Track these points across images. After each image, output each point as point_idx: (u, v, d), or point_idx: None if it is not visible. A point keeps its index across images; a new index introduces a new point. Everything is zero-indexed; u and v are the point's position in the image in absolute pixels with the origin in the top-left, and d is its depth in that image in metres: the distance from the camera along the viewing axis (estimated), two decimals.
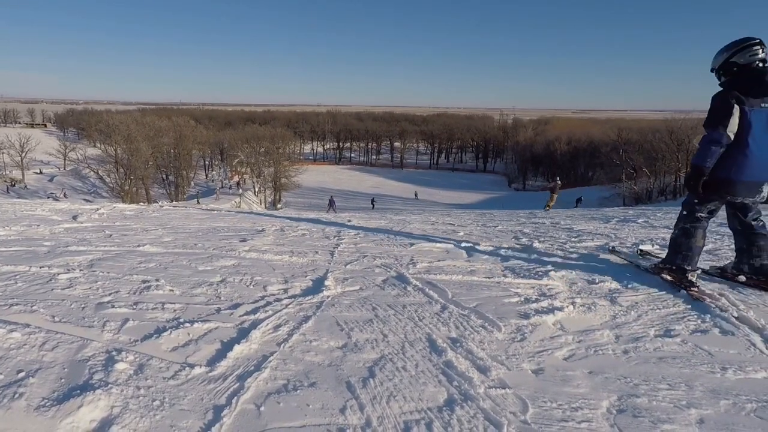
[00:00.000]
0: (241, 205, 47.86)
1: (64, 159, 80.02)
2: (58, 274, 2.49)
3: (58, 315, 1.96)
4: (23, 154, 73.02)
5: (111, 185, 45.19)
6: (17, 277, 2.40)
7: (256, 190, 63.26)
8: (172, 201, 47.24)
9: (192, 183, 65.57)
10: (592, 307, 2.57)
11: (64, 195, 61.84)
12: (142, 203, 28.05)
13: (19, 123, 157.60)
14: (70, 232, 3.76)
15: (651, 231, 6.27)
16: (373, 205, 35.99)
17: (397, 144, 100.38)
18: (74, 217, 4.68)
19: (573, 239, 5.18)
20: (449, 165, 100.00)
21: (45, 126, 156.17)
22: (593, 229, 6.34)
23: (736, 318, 2.46)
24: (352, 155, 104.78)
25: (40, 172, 79.54)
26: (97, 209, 5.36)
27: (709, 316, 2.50)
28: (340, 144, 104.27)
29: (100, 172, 46.31)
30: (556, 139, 69.88)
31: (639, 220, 8.15)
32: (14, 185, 65.11)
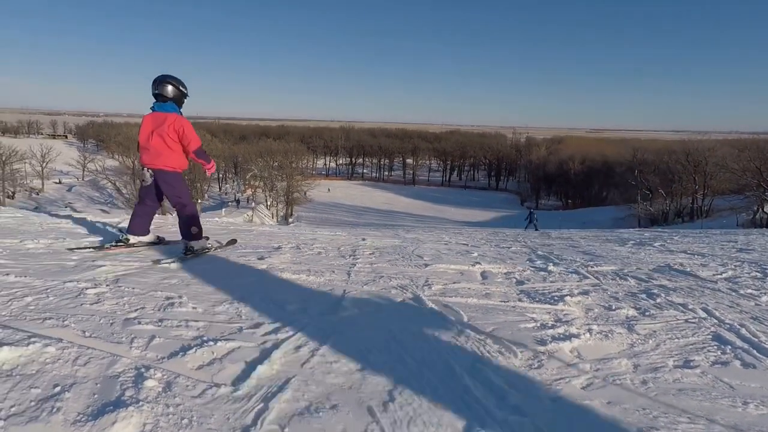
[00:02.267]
0: (253, 219, 48.36)
1: (83, 170, 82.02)
2: (86, 288, 2.57)
3: (89, 330, 2.02)
4: (44, 165, 75.13)
5: (127, 196, 46.20)
6: (48, 291, 2.49)
7: (269, 203, 63.93)
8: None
9: (206, 195, 66.56)
10: (609, 335, 2.57)
11: (67, 206, 63.09)
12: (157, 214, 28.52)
13: (42, 134, 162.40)
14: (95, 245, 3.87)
15: (668, 255, 6.19)
16: None
17: (409, 161, 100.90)
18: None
19: (589, 263, 5.15)
20: (461, 182, 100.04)
21: (66, 137, 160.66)
22: (608, 252, 6.30)
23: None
24: (365, 171, 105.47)
25: (60, 182, 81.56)
26: (119, 222, 5.51)
27: (729, 347, 2.48)
28: (353, 159, 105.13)
29: (117, 183, 47.45)
30: (569, 158, 69.59)
31: (655, 244, 8.07)
32: (38, 194, 66.91)
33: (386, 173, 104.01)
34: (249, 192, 69.31)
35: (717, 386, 2.05)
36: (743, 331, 2.75)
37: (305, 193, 65.25)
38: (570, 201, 71.44)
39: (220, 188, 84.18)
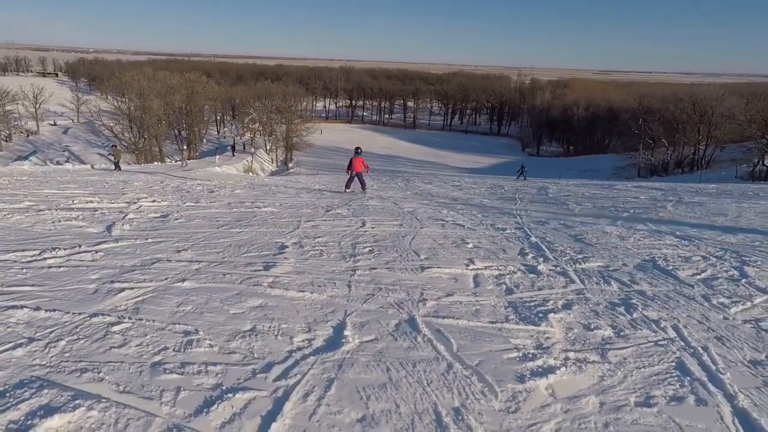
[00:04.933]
0: (252, 165, 48.21)
1: (77, 111, 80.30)
2: (112, 324, 2.84)
3: (122, 382, 2.31)
4: (37, 106, 73.56)
5: (125, 144, 45.87)
6: (78, 329, 2.75)
7: (268, 148, 63.35)
8: (183, 160, 47.84)
9: (204, 140, 65.80)
10: (583, 366, 2.87)
11: (68, 160, 62.74)
12: (156, 163, 28.70)
13: (31, 72, 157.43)
14: (110, 257, 4.11)
15: (656, 241, 6.46)
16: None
17: (410, 103, 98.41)
18: (108, 229, 5.03)
19: (578, 256, 5.42)
20: (463, 127, 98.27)
21: (56, 75, 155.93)
22: (598, 238, 6.52)
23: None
24: (365, 114, 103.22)
25: (55, 124, 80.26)
26: (126, 214, 5.71)
27: (688, 379, 2.79)
28: (353, 102, 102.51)
29: (114, 129, 46.92)
30: (574, 104, 68.03)
31: (648, 222, 8.30)
32: (29, 136, 66.19)
33: (387, 116, 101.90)
34: (248, 135, 68.47)
35: (669, 428, 2.36)
36: (705, 357, 3.05)
37: (307, 135, 64.82)
38: (572, 147, 70.76)
39: (218, 131, 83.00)
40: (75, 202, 6.48)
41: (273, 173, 50.29)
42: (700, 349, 3.15)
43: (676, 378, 2.81)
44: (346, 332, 3.05)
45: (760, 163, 31.31)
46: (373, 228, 6.31)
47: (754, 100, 34.36)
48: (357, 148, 13.00)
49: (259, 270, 4.09)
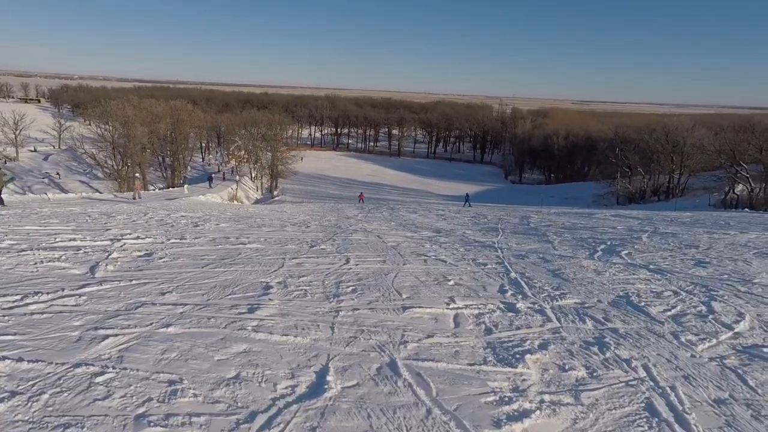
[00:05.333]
0: (237, 193, 48.02)
1: (59, 137, 79.43)
2: (95, 375, 2.87)
3: None
4: (17, 132, 72.65)
5: (108, 171, 45.46)
6: (61, 381, 2.77)
7: (253, 176, 63.33)
8: (168, 187, 47.44)
9: (188, 167, 65.47)
10: (557, 409, 2.98)
11: (58, 174, 61.95)
12: (139, 193, 28.41)
13: (13, 98, 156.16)
14: (93, 301, 4.12)
15: (631, 275, 6.70)
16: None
17: (395, 131, 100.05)
18: (91, 270, 5.04)
19: (555, 293, 5.59)
20: (446, 154, 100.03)
21: (39, 101, 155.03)
22: (575, 272, 6.72)
23: None
24: (350, 141, 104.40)
25: (35, 150, 79.15)
26: (109, 253, 5.72)
27: (656, 420, 2.92)
28: (338, 130, 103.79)
29: (96, 156, 46.52)
30: (554, 133, 70.16)
31: (623, 253, 8.58)
32: (6, 163, 65.03)
33: (372, 144, 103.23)
34: (233, 163, 68.48)
35: None
36: (672, 397, 3.19)
37: (292, 163, 65.42)
38: (553, 175, 72.46)
39: (203, 158, 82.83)
40: (57, 240, 6.46)
41: (257, 201, 50.15)
42: (668, 388, 3.29)
43: (644, 419, 2.93)
44: (329, 377, 3.12)
45: (731, 191, 32.56)
46: (356, 265, 6.42)
47: (722, 132, 36.14)
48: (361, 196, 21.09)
49: (243, 313, 4.14)
